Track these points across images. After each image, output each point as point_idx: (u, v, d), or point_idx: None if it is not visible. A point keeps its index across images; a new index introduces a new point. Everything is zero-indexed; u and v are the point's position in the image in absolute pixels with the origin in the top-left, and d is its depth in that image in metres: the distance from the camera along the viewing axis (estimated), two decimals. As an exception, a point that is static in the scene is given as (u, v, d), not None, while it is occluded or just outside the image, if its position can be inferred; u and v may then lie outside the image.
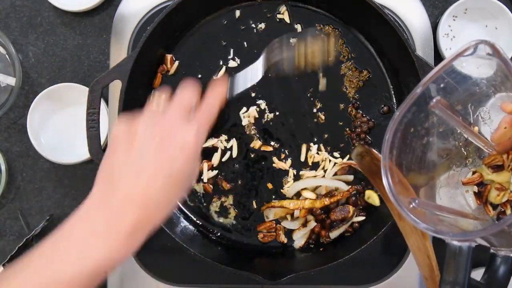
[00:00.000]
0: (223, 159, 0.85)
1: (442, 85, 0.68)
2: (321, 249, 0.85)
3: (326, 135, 0.85)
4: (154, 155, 0.59)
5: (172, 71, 0.85)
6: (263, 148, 0.85)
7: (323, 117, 0.85)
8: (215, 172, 0.85)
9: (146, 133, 0.60)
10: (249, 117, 0.85)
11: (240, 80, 0.80)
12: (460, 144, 0.74)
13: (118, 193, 0.57)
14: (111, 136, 0.63)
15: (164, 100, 0.68)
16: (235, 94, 0.79)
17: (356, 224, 0.84)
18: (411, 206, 0.66)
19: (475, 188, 0.76)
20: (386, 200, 0.78)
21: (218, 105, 0.70)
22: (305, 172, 0.85)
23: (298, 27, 0.85)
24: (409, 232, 0.74)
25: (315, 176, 0.85)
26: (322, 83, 0.84)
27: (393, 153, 0.68)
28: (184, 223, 0.85)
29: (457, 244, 0.60)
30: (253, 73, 0.81)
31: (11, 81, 0.92)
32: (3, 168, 0.93)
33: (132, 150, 0.59)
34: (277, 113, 0.85)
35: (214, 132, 0.85)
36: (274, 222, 0.85)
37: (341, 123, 0.85)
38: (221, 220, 0.86)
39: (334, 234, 0.84)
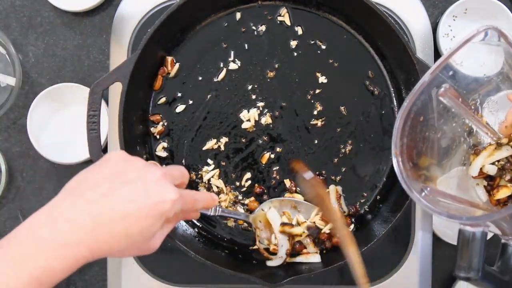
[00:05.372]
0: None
1: (450, 73, 0.68)
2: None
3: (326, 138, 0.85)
4: (130, 193, 0.56)
5: (172, 73, 0.85)
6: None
7: (324, 119, 0.85)
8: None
9: (140, 172, 0.58)
10: (249, 119, 0.85)
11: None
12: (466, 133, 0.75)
13: (77, 204, 0.54)
14: (106, 155, 0.60)
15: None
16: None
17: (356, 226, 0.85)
18: (423, 193, 0.67)
19: (485, 182, 0.77)
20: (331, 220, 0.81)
21: (200, 203, 0.67)
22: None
23: (299, 30, 0.85)
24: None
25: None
26: None
27: (404, 141, 0.68)
28: (184, 225, 0.85)
29: (470, 230, 0.61)
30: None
31: (11, 81, 0.92)
32: (3, 168, 0.93)
33: (118, 175, 0.57)
34: (277, 116, 0.85)
35: (214, 134, 0.85)
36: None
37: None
38: (221, 222, 0.86)
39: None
